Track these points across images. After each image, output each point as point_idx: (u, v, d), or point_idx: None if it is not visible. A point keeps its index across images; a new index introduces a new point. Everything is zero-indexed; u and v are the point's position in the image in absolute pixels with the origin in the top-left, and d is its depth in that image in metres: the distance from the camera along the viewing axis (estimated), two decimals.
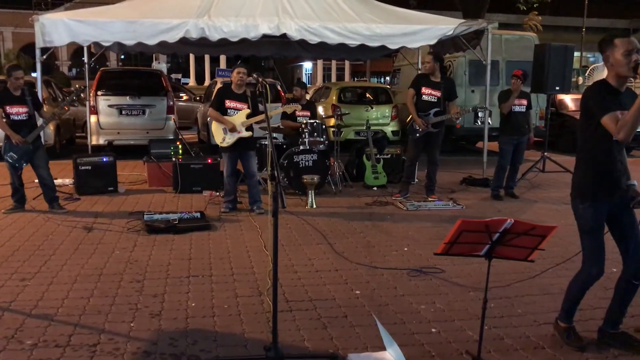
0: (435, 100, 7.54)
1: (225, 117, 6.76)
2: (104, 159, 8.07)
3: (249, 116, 6.74)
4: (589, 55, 39.51)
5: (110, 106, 11.26)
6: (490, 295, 4.07)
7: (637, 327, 3.75)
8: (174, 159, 8.31)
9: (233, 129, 6.70)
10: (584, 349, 3.46)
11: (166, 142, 9.51)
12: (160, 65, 28.42)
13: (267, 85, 3.36)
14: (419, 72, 9.33)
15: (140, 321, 3.79)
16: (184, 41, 8.17)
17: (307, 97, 11.30)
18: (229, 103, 6.83)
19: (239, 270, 4.85)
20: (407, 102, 7.81)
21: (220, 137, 6.80)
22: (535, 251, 3.01)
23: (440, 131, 7.70)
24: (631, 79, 3.35)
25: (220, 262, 5.05)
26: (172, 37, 7.78)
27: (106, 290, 4.34)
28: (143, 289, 4.38)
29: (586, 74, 28.61)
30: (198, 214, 6.44)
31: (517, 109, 7.88)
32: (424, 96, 7.57)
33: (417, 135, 7.61)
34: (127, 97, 11.36)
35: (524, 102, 7.95)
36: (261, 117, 6.71)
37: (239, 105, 6.82)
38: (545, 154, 10.00)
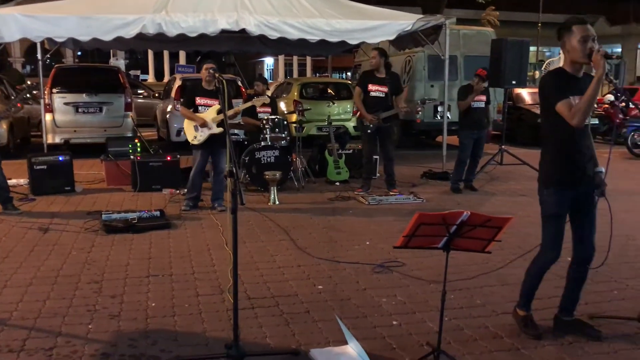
0: (383, 96, 7.63)
1: (196, 114, 6.70)
2: (60, 158, 7.86)
3: (219, 112, 6.68)
4: (544, 50, 40.41)
5: (66, 104, 10.98)
6: (449, 287, 4.13)
7: (590, 314, 3.85)
8: (132, 157, 8.15)
9: (204, 125, 6.63)
10: (540, 337, 3.54)
11: (124, 140, 9.34)
12: (118, 61, 27.89)
13: (224, 81, 3.32)
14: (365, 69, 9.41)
15: (98, 323, 3.72)
16: (141, 37, 8.02)
17: (269, 93, 11.24)
18: (199, 100, 6.77)
19: (200, 268, 4.80)
20: (354, 100, 7.91)
21: (192, 134, 6.74)
22: (492, 242, 3.06)
23: (391, 126, 7.78)
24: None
25: (181, 261, 4.98)
26: (129, 33, 7.63)
27: (63, 292, 4.24)
28: (101, 290, 4.29)
29: (542, 68, 29.23)
30: (158, 213, 6.34)
31: (476, 104, 8.01)
32: (371, 93, 7.65)
33: (369, 131, 7.69)
34: (84, 95, 11.09)
35: (483, 97, 8.09)
36: (231, 112, 6.67)
37: (209, 101, 6.77)
38: (503, 147, 10.19)
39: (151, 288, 4.35)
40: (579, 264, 3.57)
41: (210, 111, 6.72)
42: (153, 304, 4.03)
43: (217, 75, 3.55)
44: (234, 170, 2.92)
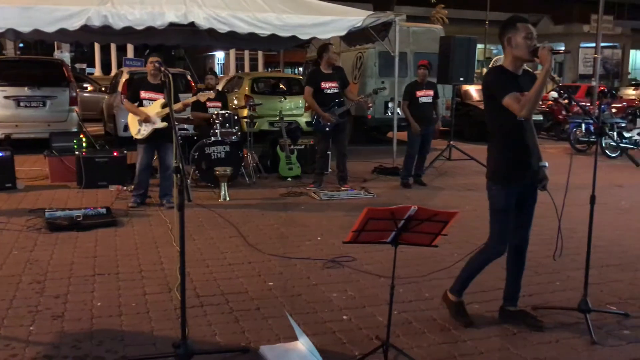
0: (337, 92, 7.67)
1: (140, 108, 6.55)
2: (1, 154, 7.56)
3: (164, 106, 6.55)
4: (492, 47, 41.33)
5: (6, 97, 10.57)
6: (399, 281, 4.19)
7: (534, 305, 3.97)
8: (77, 152, 7.92)
9: (147, 120, 6.49)
10: (471, 325, 3.64)
11: (69, 135, 9.07)
12: (63, 54, 26.93)
13: (170, 75, 3.26)
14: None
15: (40, 324, 3.59)
16: (86, 29, 7.77)
17: (219, 87, 11.11)
18: (144, 94, 6.64)
19: (147, 266, 4.70)
20: (307, 100, 7.92)
21: (136, 128, 6.60)
22: (439, 236, 3.11)
23: (346, 121, 7.83)
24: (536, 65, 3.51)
25: (128, 259, 4.87)
26: (72, 25, 7.37)
27: (2, 293, 4.08)
28: (44, 290, 4.15)
29: (489, 65, 29.92)
30: (104, 210, 6.19)
31: (423, 99, 8.13)
32: (325, 90, 7.66)
33: (327, 129, 7.70)
34: (26, 88, 10.69)
35: (430, 92, 8.21)
36: (177, 106, 6.55)
37: (154, 95, 6.64)
38: (451, 142, 10.38)
39: (97, 287, 4.24)
40: (515, 253, 3.71)
41: (154, 105, 6.59)
42: (99, 304, 3.93)
43: (163, 68, 3.47)
44: (181, 166, 2.87)
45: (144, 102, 6.63)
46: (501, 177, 3.53)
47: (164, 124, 6.55)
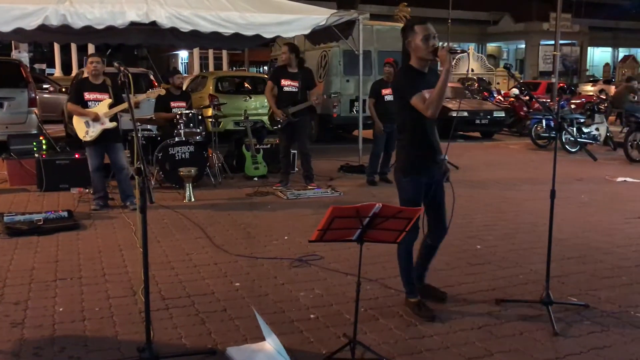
0: (296, 91, 7.68)
1: (86, 109, 6.41)
2: None
3: (111, 106, 6.43)
4: (455, 45, 41.88)
5: None
6: (365, 278, 4.22)
7: (497, 298, 4.04)
8: (37, 155, 7.74)
9: (96, 119, 6.36)
10: (434, 319, 3.71)
11: (28, 137, 8.83)
12: (21, 54, 26.27)
13: (130, 75, 3.20)
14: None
15: None
16: (44, 28, 7.58)
17: (183, 87, 10.95)
18: (88, 95, 6.49)
19: (111, 270, 4.61)
20: (265, 94, 7.95)
21: (83, 130, 6.43)
22: (404, 233, 3.13)
23: (303, 120, 7.83)
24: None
25: (91, 263, 4.78)
26: (29, 24, 7.18)
27: None
28: (3, 297, 4.04)
29: (452, 63, 30.25)
30: (65, 213, 6.05)
31: (389, 97, 8.17)
32: (284, 88, 7.70)
33: (280, 126, 7.71)
34: None
35: None
36: (124, 105, 6.41)
37: (99, 96, 6.50)
38: None
39: (59, 292, 4.14)
40: (432, 242, 3.94)
41: (101, 105, 6.45)
42: (61, 309, 3.84)
43: (122, 68, 3.41)
44: (142, 168, 2.82)
45: (89, 103, 6.47)
46: (409, 169, 3.73)
47: (113, 124, 6.44)
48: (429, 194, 3.77)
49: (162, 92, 7.44)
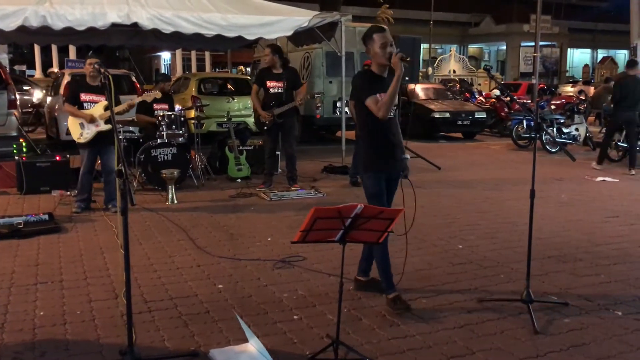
0: (281, 92, 7.68)
1: (82, 111, 6.38)
2: None
3: (107, 108, 6.38)
4: (436, 47, 42.14)
5: None
6: (348, 279, 4.24)
7: (479, 297, 4.08)
8: (17, 157, 7.64)
9: (91, 121, 6.32)
10: (409, 309, 3.82)
11: (8, 139, 8.76)
12: (1, 55, 25.97)
13: (110, 76, 3.18)
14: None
15: None
16: (23, 30, 7.50)
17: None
18: (84, 96, 6.45)
19: (92, 273, 4.58)
20: (252, 98, 7.99)
21: (78, 132, 6.39)
22: (385, 233, 3.15)
23: (289, 121, 7.83)
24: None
25: (72, 266, 4.74)
26: (9, 26, 7.11)
27: None
28: None
29: (435, 65, 30.50)
30: (46, 216, 6.00)
31: None
32: (270, 89, 7.72)
33: (265, 127, 7.72)
34: None
35: None
36: (122, 107, 6.40)
37: (95, 97, 6.46)
38: None
39: (39, 296, 4.10)
40: None
41: (96, 107, 6.42)
42: (41, 313, 3.81)
43: (102, 70, 3.39)
44: (123, 170, 2.81)
45: (85, 104, 6.44)
46: (369, 165, 3.97)
47: (108, 126, 6.40)
48: (386, 188, 3.99)
49: (159, 95, 7.41)
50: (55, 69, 17.53)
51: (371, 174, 3.95)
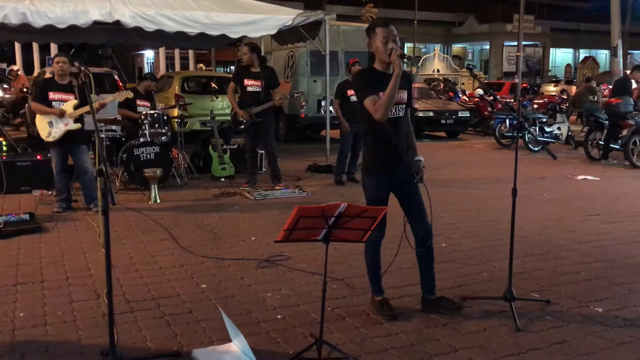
0: (259, 90, 7.66)
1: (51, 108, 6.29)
2: None
3: (76, 107, 6.31)
4: (421, 46, 42.33)
5: None
6: (331, 278, 4.24)
7: (462, 295, 4.10)
8: None
9: (62, 115, 6.22)
10: (396, 318, 3.73)
11: None
12: None
13: (91, 75, 3.15)
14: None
15: None
16: (3, 27, 7.42)
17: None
18: (53, 95, 6.34)
19: (74, 273, 4.53)
20: (228, 96, 7.98)
21: (46, 131, 6.28)
22: (369, 232, 3.15)
23: (267, 120, 7.81)
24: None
25: (53, 266, 4.68)
26: None
27: None
28: None
29: (419, 64, 30.62)
30: (27, 216, 5.91)
31: (353, 98, 8.18)
32: (248, 88, 7.70)
33: (243, 126, 7.70)
34: None
35: None
36: (97, 104, 6.31)
37: (64, 96, 6.36)
38: None
39: (19, 297, 4.05)
40: (419, 244, 3.84)
41: (66, 106, 6.32)
42: (21, 314, 3.76)
43: (82, 68, 3.35)
44: (104, 169, 2.78)
45: (54, 103, 6.33)
46: (371, 169, 3.74)
47: (77, 125, 6.32)
48: (400, 195, 3.78)
49: (130, 95, 7.38)
50: (15, 67, 17.25)
51: (373, 177, 3.73)
